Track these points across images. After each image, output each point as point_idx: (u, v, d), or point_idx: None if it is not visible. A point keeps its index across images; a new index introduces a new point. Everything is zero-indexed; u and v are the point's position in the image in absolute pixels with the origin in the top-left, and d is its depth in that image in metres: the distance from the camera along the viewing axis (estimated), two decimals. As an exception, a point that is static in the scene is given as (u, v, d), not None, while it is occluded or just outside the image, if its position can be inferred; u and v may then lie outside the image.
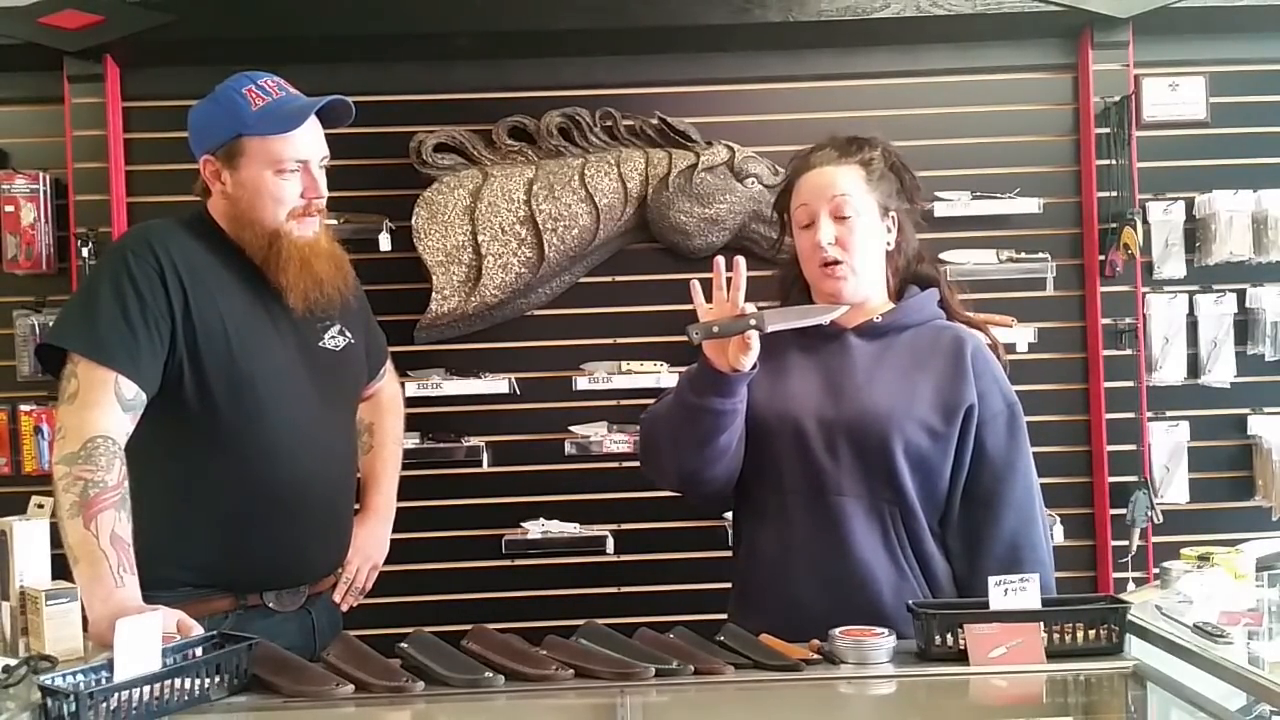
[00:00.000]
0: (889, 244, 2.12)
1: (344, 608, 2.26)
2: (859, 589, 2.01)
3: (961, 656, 1.73)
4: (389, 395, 2.46)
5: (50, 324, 3.02)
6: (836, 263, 2.04)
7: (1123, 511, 3.03)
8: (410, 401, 2.92)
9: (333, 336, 2.14)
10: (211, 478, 1.99)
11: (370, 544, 2.30)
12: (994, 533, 2.03)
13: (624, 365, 3.02)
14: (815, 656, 1.77)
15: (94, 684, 1.51)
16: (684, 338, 2.80)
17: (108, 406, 1.88)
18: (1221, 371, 3.10)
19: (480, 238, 3.01)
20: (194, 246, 2.04)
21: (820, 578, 2.03)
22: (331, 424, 2.13)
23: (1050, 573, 2.06)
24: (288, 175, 2.01)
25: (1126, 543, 3.03)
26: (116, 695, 1.51)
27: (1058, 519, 2.95)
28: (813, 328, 2.11)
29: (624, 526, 3.02)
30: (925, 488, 2.02)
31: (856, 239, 2.05)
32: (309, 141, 2.03)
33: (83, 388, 1.90)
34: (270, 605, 2.06)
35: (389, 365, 2.46)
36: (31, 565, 1.83)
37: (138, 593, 1.82)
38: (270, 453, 2.01)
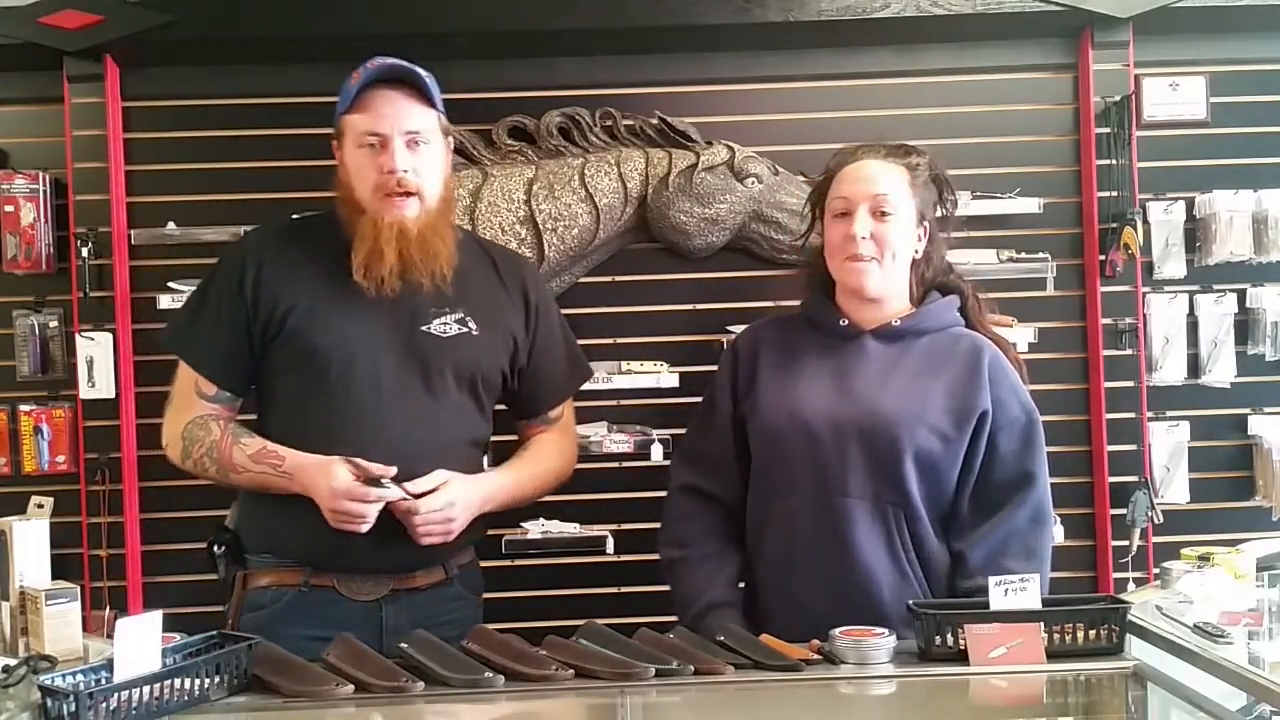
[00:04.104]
0: (917, 252, 2.12)
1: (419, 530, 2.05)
2: (860, 590, 2.01)
3: (961, 656, 1.73)
4: (552, 440, 2.34)
5: (50, 324, 3.05)
6: (865, 257, 2.05)
7: (1123, 511, 3.03)
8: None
9: (443, 322, 2.12)
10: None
11: (466, 482, 2.10)
12: (997, 524, 2.03)
13: (624, 365, 3.01)
14: (815, 656, 1.77)
15: (94, 684, 1.52)
16: (684, 337, 2.83)
17: (190, 407, 2.15)
18: (1222, 371, 3.10)
19: (480, 238, 3.01)
20: (289, 241, 2.16)
21: (822, 579, 2.04)
22: (423, 410, 2.09)
23: (1044, 579, 2.03)
24: (367, 150, 2.05)
25: (1126, 543, 3.03)
26: (116, 695, 1.51)
27: (1058, 519, 2.94)
28: (830, 328, 2.12)
29: (624, 526, 3.02)
30: (931, 491, 2.03)
31: (891, 238, 2.05)
32: (389, 116, 2.05)
33: (177, 384, 2.19)
34: (339, 590, 2.07)
35: (562, 419, 2.36)
36: (31, 565, 1.84)
37: (301, 455, 2.03)
38: (340, 434, 2.02)
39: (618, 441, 2.98)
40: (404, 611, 2.10)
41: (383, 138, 2.05)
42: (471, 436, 2.20)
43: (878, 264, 2.05)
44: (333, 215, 2.16)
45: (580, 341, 3.08)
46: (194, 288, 2.27)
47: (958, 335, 2.12)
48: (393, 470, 1.97)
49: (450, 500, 2.04)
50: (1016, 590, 1.77)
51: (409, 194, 2.06)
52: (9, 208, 3.00)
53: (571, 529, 3.00)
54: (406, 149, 2.05)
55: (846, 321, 2.12)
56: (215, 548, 2.17)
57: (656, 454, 2.93)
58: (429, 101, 2.11)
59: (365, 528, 1.97)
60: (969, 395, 2.03)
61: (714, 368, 2.33)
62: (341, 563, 2.08)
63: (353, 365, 2.04)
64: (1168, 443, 3.08)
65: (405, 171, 2.05)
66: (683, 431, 2.44)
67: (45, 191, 3.04)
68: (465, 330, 2.14)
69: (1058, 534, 2.94)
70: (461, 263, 2.15)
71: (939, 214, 2.17)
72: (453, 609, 2.18)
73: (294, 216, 2.30)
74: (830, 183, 2.14)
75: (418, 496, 2.02)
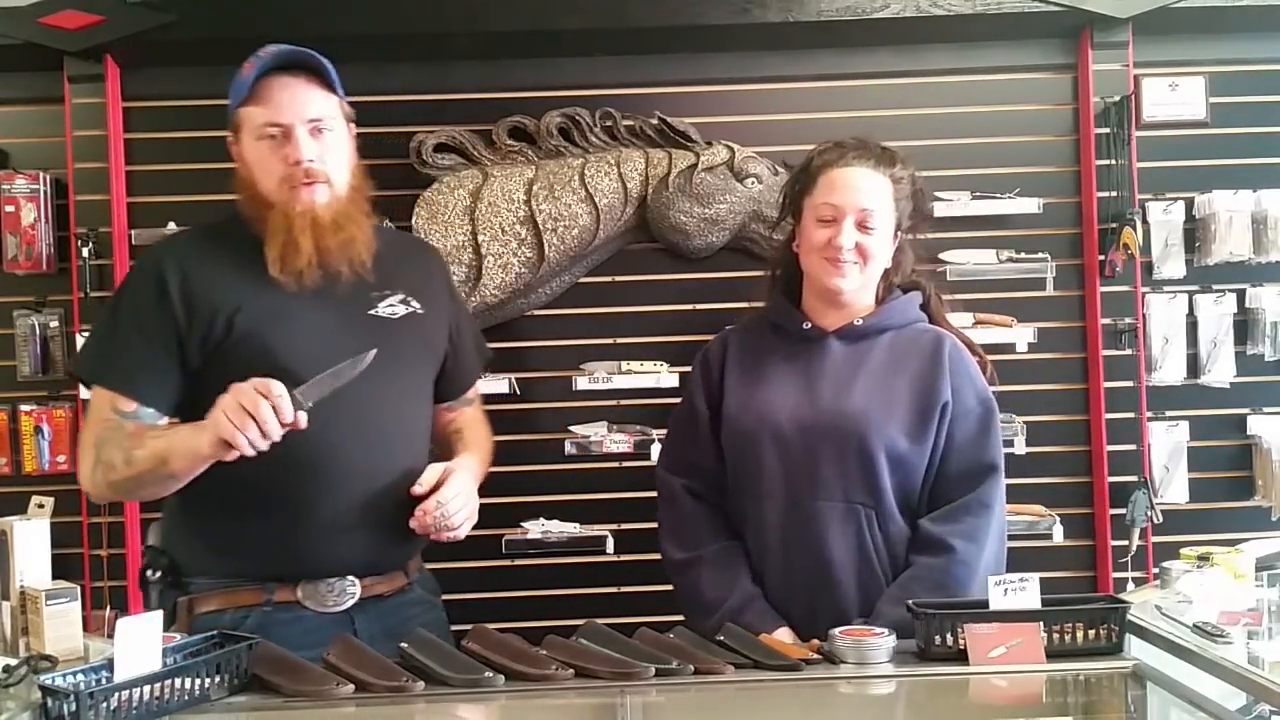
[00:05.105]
0: (888, 261, 2.13)
1: (414, 524, 1.95)
2: (830, 592, 2.02)
3: (961, 656, 1.73)
4: (476, 419, 2.28)
5: (50, 324, 3.05)
6: (846, 261, 2.05)
7: (1123, 511, 3.03)
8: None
9: (390, 304, 2.03)
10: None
11: (460, 471, 2.02)
12: (950, 507, 2.03)
13: (624, 365, 3.02)
14: (815, 656, 1.77)
15: (94, 684, 1.51)
16: (684, 337, 2.82)
17: (105, 424, 1.95)
18: (1221, 371, 3.10)
19: (480, 238, 3.01)
20: (207, 246, 2.02)
21: (793, 581, 2.05)
22: (387, 395, 1.97)
23: (975, 573, 1.99)
24: (269, 142, 1.95)
25: (1126, 543, 3.03)
26: (116, 695, 1.51)
27: (1057, 519, 2.95)
28: (795, 331, 2.13)
29: (624, 526, 3.02)
30: (903, 489, 2.04)
31: (873, 250, 2.07)
32: (287, 104, 1.95)
33: (90, 411, 1.99)
34: (305, 604, 1.95)
35: (477, 401, 2.31)
36: (31, 565, 1.84)
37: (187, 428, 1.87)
38: (311, 431, 1.82)
39: (618, 441, 2.98)
40: (375, 620, 1.99)
41: (285, 128, 1.94)
42: (429, 419, 2.13)
43: (858, 269, 2.06)
44: (237, 217, 2.03)
45: (580, 341, 3.11)
46: (103, 311, 2.10)
47: (920, 330, 2.14)
48: (308, 404, 1.81)
49: (459, 490, 1.98)
50: (1016, 590, 1.77)
51: (316, 182, 1.96)
52: (10, 208, 3.01)
53: (571, 529, 3.00)
54: (310, 137, 1.95)
55: (809, 324, 2.12)
56: (149, 573, 1.98)
57: (656, 454, 2.93)
58: (329, 86, 2.01)
59: (256, 434, 1.74)
60: (932, 388, 2.04)
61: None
62: (305, 567, 1.95)
63: (313, 360, 1.88)
64: (1167, 443, 3.09)
65: (311, 161, 1.94)
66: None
67: (46, 192, 3.05)
68: (412, 309, 2.06)
69: (1057, 534, 2.95)
70: (381, 248, 2.05)
71: (911, 223, 2.18)
72: (419, 613, 2.08)
73: (174, 233, 2.19)
74: (814, 182, 2.12)
75: (424, 496, 1.95)
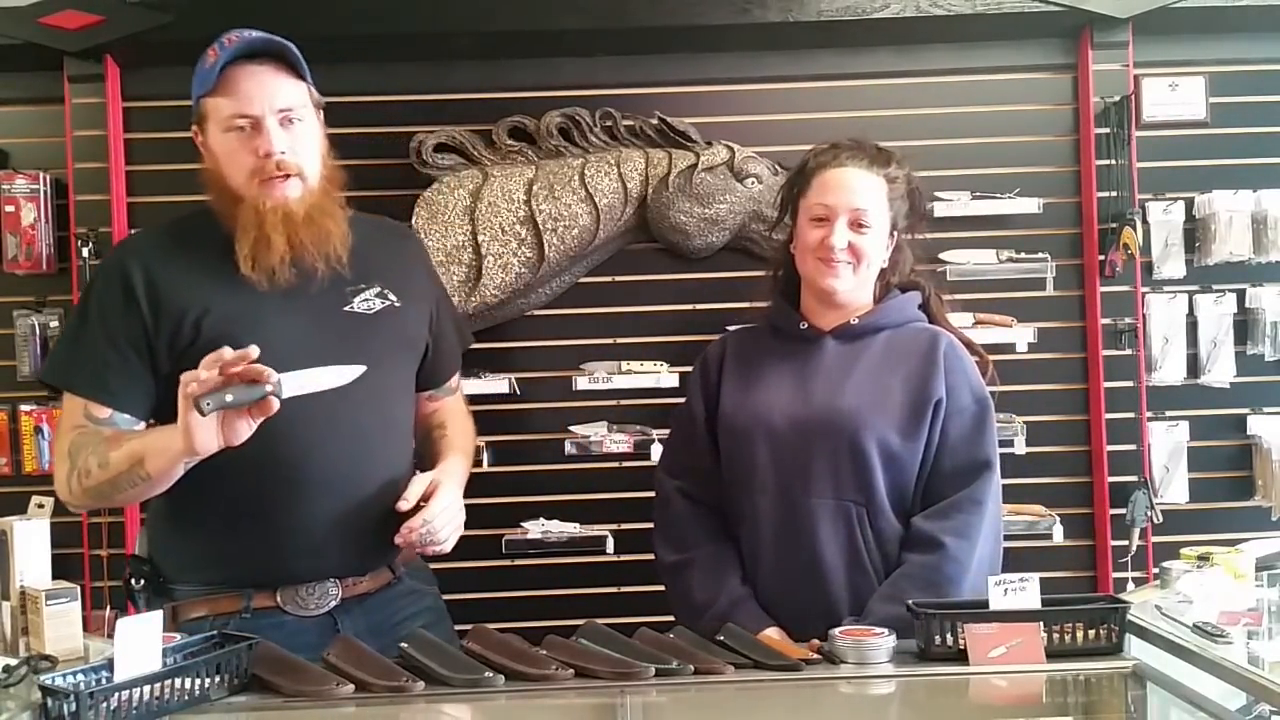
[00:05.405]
0: (884, 261, 2.13)
1: (399, 540, 1.92)
2: (818, 589, 2.02)
3: (961, 656, 1.73)
4: (458, 409, 2.24)
5: (50, 324, 3.05)
6: (840, 261, 2.06)
7: (1123, 511, 3.03)
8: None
9: (366, 299, 1.97)
10: (208, 461, 1.76)
11: (449, 479, 1.98)
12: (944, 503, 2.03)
13: (624, 365, 3.02)
14: (815, 656, 1.77)
15: (94, 684, 1.52)
16: (683, 337, 2.82)
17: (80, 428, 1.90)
18: (1221, 371, 3.10)
19: (480, 238, 3.01)
20: (174, 244, 1.96)
21: (783, 577, 2.05)
22: (360, 394, 1.86)
23: (967, 570, 1.98)
24: (238, 134, 1.88)
25: (1126, 543, 3.03)
26: (116, 695, 1.51)
27: (1057, 519, 2.95)
28: (792, 332, 2.13)
29: (624, 526, 3.02)
30: (896, 486, 2.04)
31: (866, 250, 2.07)
32: (256, 94, 1.88)
33: (63, 418, 1.94)
34: (285, 608, 1.91)
35: (459, 389, 2.28)
36: (31, 565, 1.84)
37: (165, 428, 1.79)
38: (287, 435, 1.82)
39: (618, 441, 2.98)
40: (360, 618, 1.96)
41: (254, 119, 1.87)
42: (410, 417, 2.08)
43: (852, 269, 2.07)
44: (207, 213, 1.96)
45: (580, 341, 3.11)
46: (72, 314, 2.04)
47: (917, 329, 2.14)
48: (275, 376, 1.72)
49: (446, 504, 1.93)
50: (1016, 590, 1.77)
51: (289, 175, 1.89)
52: (9, 208, 3.01)
53: (571, 529, 3.01)
54: (281, 128, 1.88)
55: (807, 325, 2.13)
56: (134, 582, 1.96)
57: (656, 454, 2.93)
58: (298, 74, 1.95)
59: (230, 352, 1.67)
60: (926, 386, 2.05)
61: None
62: (284, 572, 1.92)
63: (287, 362, 1.77)
64: (1167, 443, 3.09)
65: (283, 153, 1.88)
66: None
67: (46, 192, 3.05)
68: (388, 303, 2.00)
69: (1057, 534, 2.95)
70: (357, 239, 1.99)
71: (907, 225, 2.18)
72: (410, 603, 2.05)
73: (138, 232, 2.09)
74: (809, 183, 2.13)
75: (414, 510, 1.90)
